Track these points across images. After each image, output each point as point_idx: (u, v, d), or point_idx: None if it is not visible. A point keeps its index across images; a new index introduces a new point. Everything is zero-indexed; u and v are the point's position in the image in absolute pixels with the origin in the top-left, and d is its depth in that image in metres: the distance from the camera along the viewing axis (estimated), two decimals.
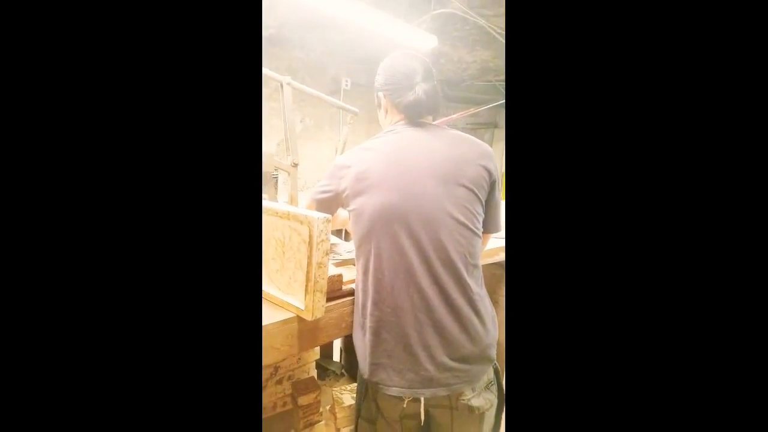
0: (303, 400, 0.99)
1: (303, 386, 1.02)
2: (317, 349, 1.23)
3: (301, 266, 0.74)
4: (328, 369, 1.31)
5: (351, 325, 0.86)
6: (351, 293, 0.85)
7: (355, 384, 1.11)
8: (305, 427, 1.00)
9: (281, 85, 1.48)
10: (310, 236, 0.70)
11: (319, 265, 0.71)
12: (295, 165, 1.54)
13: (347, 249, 1.06)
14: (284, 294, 0.78)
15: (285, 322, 0.74)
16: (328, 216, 0.71)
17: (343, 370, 1.33)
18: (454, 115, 2.24)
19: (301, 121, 2.94)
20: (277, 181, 2.23)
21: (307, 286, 0.73)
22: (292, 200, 1.57)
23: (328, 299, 0.80)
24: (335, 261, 0.96)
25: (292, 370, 1.16)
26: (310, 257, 0.71)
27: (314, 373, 1.22)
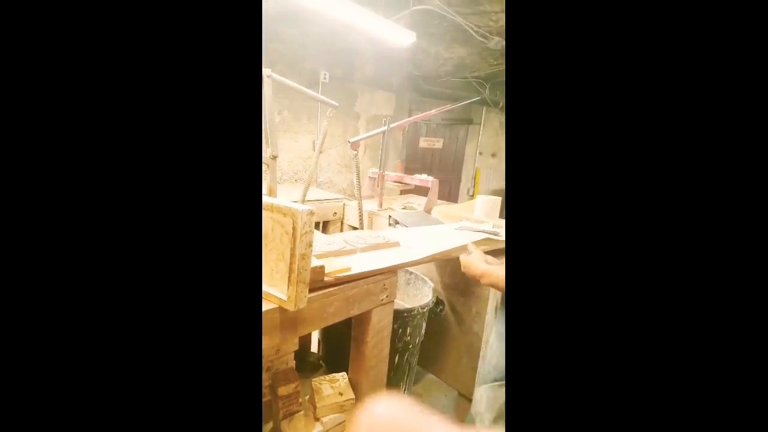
0: (283, 391, 1.00)
1: (283, 377, 1.03)
2: (297, 340, 1.24)
3: (283, 257, 0.75)
4: (306, 360, 1.32)
5: (333, 315, 0.88)
6: (333, 284, 0.87)
7: (334, 374, 1.13)
8: (285, 417, 1.02)
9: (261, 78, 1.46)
10: (294, 228, 0.71)
11: (303, 256, 0.72)
12: (275, 157, 1.53)
13: (327, 241, 1.07)
14: (266, 285, 0.79)
15: (266, 312, 0.75)
16: (312, 208, 0.72)
17: (321, 361, 1.35)
18: (432, 111, 2.28)
19: (278, 114, 2.90)
20: None
21: (290, 277, 0.74)
22: (271, 192, 1.56)
23: (310, 290, 0.81)
24: (316, 253, 0.97)
25: (271, 361, 1.17)
26: (293, 249, 0.72)
27: (293, 364, 1.23)
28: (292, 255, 0.73)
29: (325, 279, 0.86)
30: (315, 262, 0.85)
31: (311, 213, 0.72)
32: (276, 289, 0.77)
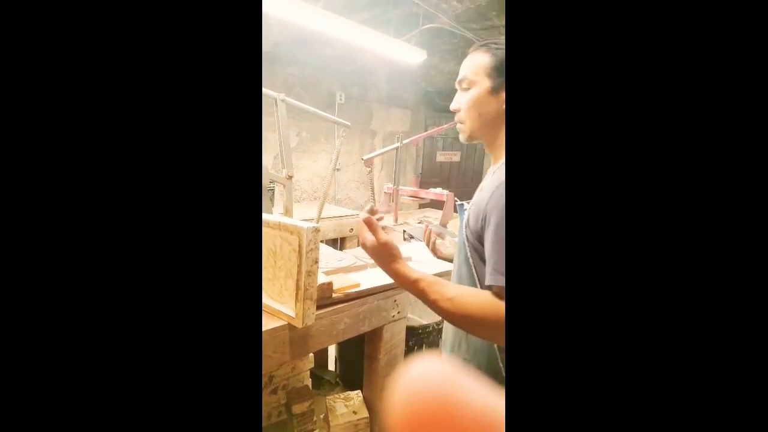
0: (297, 409, 1.00)
1: (297, 395, 1.03)
2: (312, 358, 1.24)
3: (291, 275, 0.77)
4: (322, 378, 1.32)
5: (343, 332, 0.89)
6: (342, 300, 0.88)
7: (349, 393, 1.12)
8: None
9: (276, 101, 1.53)
10: (300, 245, 0.73)
11: (309, 273, 0.74)
12: (290, 177, 1.57)
13: (338, 258, 1.09)
14: (276, 302, 0.81)
15: (276, 329, 0.76)
16: (317, 226, 0.74)
17: (338, 379, 1.34)
18: (444, 126, 2.29)
19: (297, 135, 2.99)
20: (273, 193, 2.26)
21: (297, 294, 0.75)
22: (287, 212, 1.60)
23: (319, 307, 0.82)
24: (326, 270, 0.98)
25: (287, 379, 1.17)
26: (299, 266, 0.74)
27: (309, 382, 1.23)
28: (299, 272, 0.74)
29: (334, 295, 0.87)
30: (323, 279, 0.86)
31: (316, 230, 0.73)
32: (285, 306, 0.78)
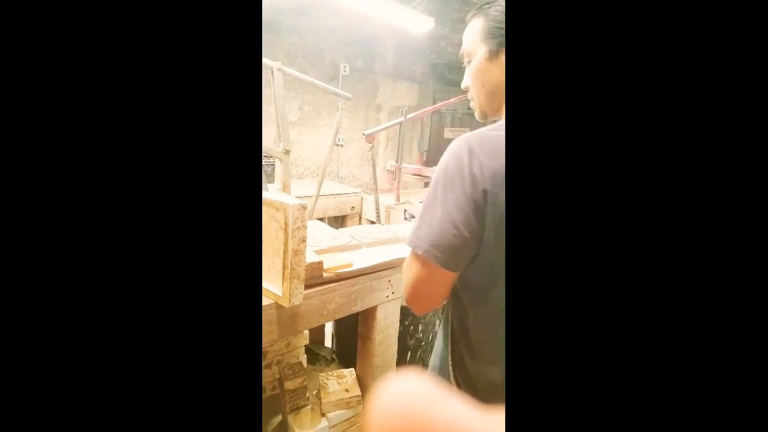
0: (289, 385, 1.01)
1: (290, 371, 1.03)
2: (307, 335, 1.24)
3: (278, 253, 0.74)
4: (318, 354, 1.33)
5: (334, 312, 0.87)
6: (333, 280, 0.85)
7: (342, 370, 1.12)
8: (291, 411, 1.02)
9: (272, 71, 1.46)
10: (286, 223, 0.70)
11: (296, 252, 0.71)
12: (287, 152, 1.53)
13: (333, 236, 1.06)
14: (264, 281, 0.79)
15: (263, 308, 0.75)
16: (304, 203, 0.70)
17: (334, 356, 1.35)
18: (452, 99, 2.20)
19: (299, 108, 2.92)
20: (273, 168, 2.22)
21: (284, 273, 0.73)
22: (285, 188, 1.57)
23: (308, 286, 0.80)
24: (318, 249, 0.95)
25: (281, 355, 1.18)
26: (286, 244, 0.71)
27: (303, 358, 1.23)
28: (285, 251, 0.71)
29: (325, 275, 0.84)
30: (313, 258, 0.83)
31: (303, 208, 0.70)
32: (273, 284, 0.76)
